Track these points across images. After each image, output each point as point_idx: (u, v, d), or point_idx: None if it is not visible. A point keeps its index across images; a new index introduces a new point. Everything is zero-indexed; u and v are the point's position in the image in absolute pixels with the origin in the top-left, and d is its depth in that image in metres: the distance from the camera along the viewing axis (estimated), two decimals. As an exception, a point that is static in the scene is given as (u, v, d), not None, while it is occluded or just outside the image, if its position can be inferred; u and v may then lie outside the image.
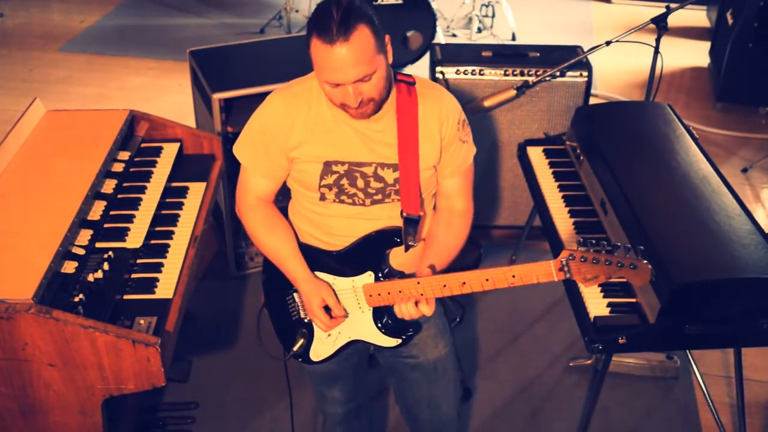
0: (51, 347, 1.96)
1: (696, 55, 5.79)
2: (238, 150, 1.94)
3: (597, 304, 2.28)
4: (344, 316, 1.97)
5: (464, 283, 1.81)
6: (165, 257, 2.36)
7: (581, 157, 2.84)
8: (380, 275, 1.93)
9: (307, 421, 2.85)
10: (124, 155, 2.64)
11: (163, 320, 2.12)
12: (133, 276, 2.28)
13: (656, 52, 3.18)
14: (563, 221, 2.66)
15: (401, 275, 1.97)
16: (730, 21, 4.98)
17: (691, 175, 2.53)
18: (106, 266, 2.20)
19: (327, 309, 1.95)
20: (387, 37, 1.75)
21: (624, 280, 1.71)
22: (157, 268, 2.32)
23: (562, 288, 2.47)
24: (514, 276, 1.77)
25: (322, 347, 2.07)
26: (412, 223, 1.89)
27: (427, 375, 2.13)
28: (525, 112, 3.42)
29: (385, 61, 1.75)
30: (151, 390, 2.05)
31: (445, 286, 1.82)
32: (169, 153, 2.78)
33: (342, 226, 1.94)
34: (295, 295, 2.04)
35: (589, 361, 3.08)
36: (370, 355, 2.23)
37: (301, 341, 2.03)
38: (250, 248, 3.55)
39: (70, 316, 1.93)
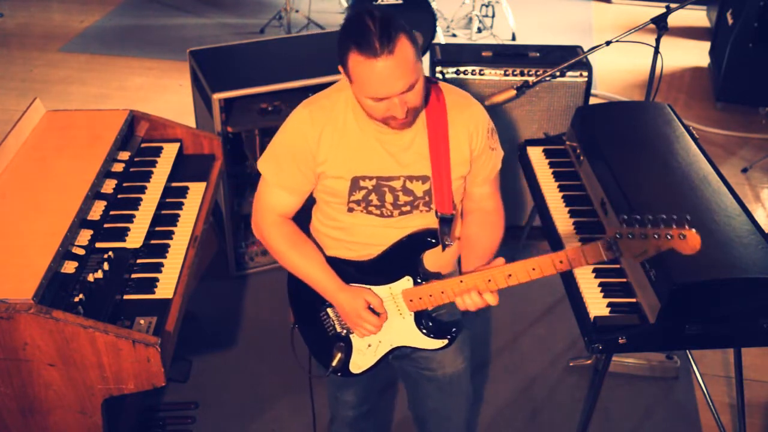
0: (51, 347, 1.96)
1: (696, 55, 5.79)
2: (263, 164, 1.89)
3: (597, 304, 2.28)
4: (386, 317, 1.94)
5: (510, 275, 1.77)
6: (165, 257, 2.36)
7: (581, 157, 2.84)
8: (419, 279, 1.90)
9: (309, 422, 2.85)
10: (124, 155, 2.64)
11: (163, 320, 2.12)
12: (133, 276, 2.28)
13: (656, 52, 3.18)
14: (563, 221, 2.66)
15: (438, 277, 1.94)
16: (730, 21, 4.98)
17: (691, 175, 2.53)
18: (106, 266, 2.20)
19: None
20: (419, 39, 1.73)
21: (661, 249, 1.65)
22: (157, 268, 2.32)
23: (562, 288, 2.47)
24: (561, 261, 1.73)
25: (363, 358, 2.03)
26: (447, 221, 1.87)
27: (442, 389, 2.12)
28: (525, 112, 3.42)
29: (422, 67, 1.73)
30: (151, 390, 2.05)
31: (490, 280, 1.79)
32: (169, 153, 2.78)
33: (369, 234, 1.91)
34: (329, 311, 2.01)
35: (589, 361, 3.08)
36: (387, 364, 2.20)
37: (339, 356, 2.00)
38: (250, 248, 3.55)
39: (70, 316, 1.93)
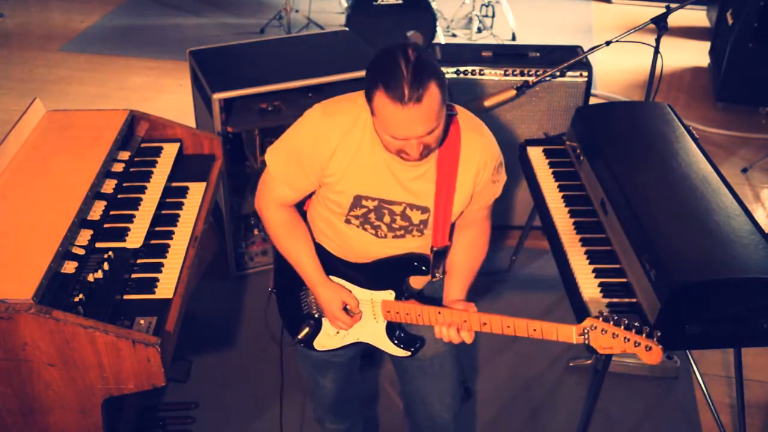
0: (51, 347, 1.96)
1: (696, 55, 5.79)
2: (271, 157, 1.90)
3: (597, 304, 2.28)
4: (359, 318, 2.01)
5: (485, 323, 1.87)
6: (165, 257, 2.36)
7: (581, 157, 2.84)
8: (400, 295, 1.96)
9: (310, 422, 2.85)
10: (124, 155, 2.64)
11: (163, 320, 2.12)
12: (133, 276, 2.28)
13: (656, 52, 3.18)
14: (563, 221, 2.66)
15: (420, 296, 2.02)
16: (730, 21, 4.98)
17: (691, 175, 2.53)
18: (106, 266, 2.20)
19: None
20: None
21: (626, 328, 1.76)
22: (157, 268, 2.32)
23: (562, 288, 2.47)
24: (535, 330, 1.84)
25: (328, 340, 2.10)
26: (440, 255, 1.94)
27: (423, 369, 2.17)
28: (525, 112, 3.42)
29: (445, 110, 1.70)
30: (151, 390, 2.05)
31: (465, 321, 1.87)
32: (169, 153, 2.78)
33: (360, 247, 1.95)
34: (309, 291, 2.06)
35: (589, 361, 3.08)
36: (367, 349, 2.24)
37: (306, 330, 2.07)
38: (250, 248, 3.55)
39: (70, 316, 1.93)
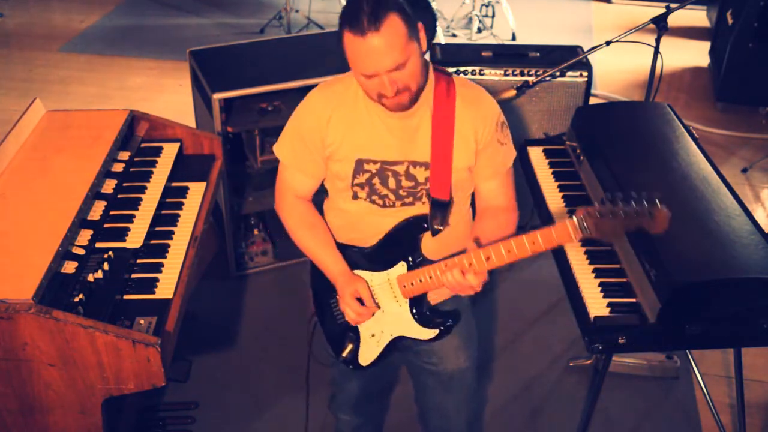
0: (51, 347, 1.96)
1: (696, 55, 5.79)
2: (278, 147, 1.97)
3: (597, 304, 2.28)
4: (375, 309, 1.96)
5: (488, 257, 1.80)
6: (165, 257, 2.36)
7: (581, 157, 2.84)
8: (411, 264, 1.93)
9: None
10: (124, 155, 2.64)
11: (163, 320, 2.12)
12: (133, 276, 2.28)
13: (656, 52, 3.18)
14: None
15: (428, 264, 1.95)
16: (730, 21, 4.97)
17: (691, 175, 2.53)
18: (106, 266, 2.20)
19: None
20: (419, 25, 1.75)
21: (642, 229, 1.66)
22: (157, 268, 2.32)
23: (562, 288, 2.47)
24: (533, 242, 1.76)
25: (368, 349, 2.06)
26: (440, 207, 1.89)
27: (443, 385, 2.14)
28: (525, 112, 3.42)
29: (419, 49, 1.75)
30: (151, 390, 2.05)
31: (470, 264, 1.81)
32: (169, 153, 2.78)
33: (373, 224, 1.95)
34: (337, 298, 2.04)
35: (589, 361, 3.08)
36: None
37: (349, 346, 2.04)
38: (250, 248, 3.55)
39: (70, 316, 1.93)
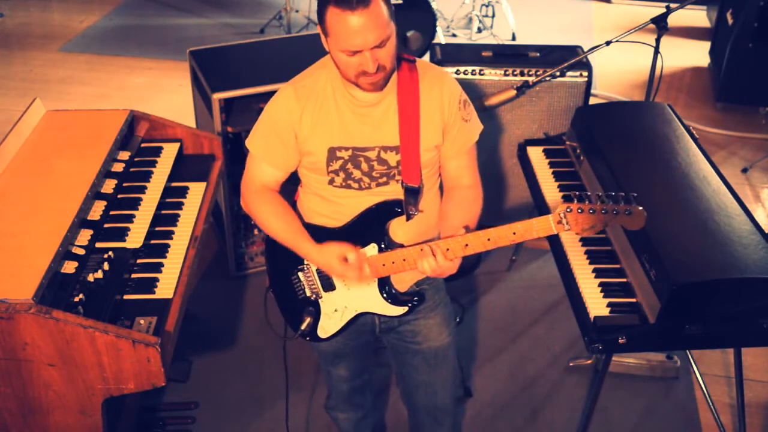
0: (51, 347, 1.96)
1: (696, 55, 5.79)
2: (250, 141, 2.02)
3: (597, 304, 2.28)
4: (366, 256, 1.97)
5: (467, 245, 1.85)
6: (165, 257, 2.36)
7: (581, 157, 2.84)
8: (383, 247, 1.97)
9: (302, 420, 2.85)
10: (124, 155, 2.64)
11: (163, 320, 2.12)
12: (133, 276, 2.28)
13: (656, 52, 3.18)
14: (563, 221, 2.66)
15: (402, 248, 1.99)
16: (730, 21, 4.97)
17: (691, 175, 2.53)
18: (106, 266, 2.20)
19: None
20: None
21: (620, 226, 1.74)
22: (157, 268, 2.32)
23: (562, 288, 2.47)
24: (514, 233, 1.82)
25: (330, 323, 2.10)
26: (413, 193, 1.94)
27: (428, 362, 2.18)
28: (525, 112, 3.42)
29: (395, 29, 1.81)
30: (151, 390, 2.05)
31: (448, 249, 1.86)
32: (169, 153, 2.78)
33: (351, 205, 1.99)
34: (300, 274, 2.08)
35: (589, 361, 3.08)
36: (376, 337, 2.24)
37: (308, 320, 2.07)
38: (250, 248, 3.55)
39: (70, 316, 1.93)
